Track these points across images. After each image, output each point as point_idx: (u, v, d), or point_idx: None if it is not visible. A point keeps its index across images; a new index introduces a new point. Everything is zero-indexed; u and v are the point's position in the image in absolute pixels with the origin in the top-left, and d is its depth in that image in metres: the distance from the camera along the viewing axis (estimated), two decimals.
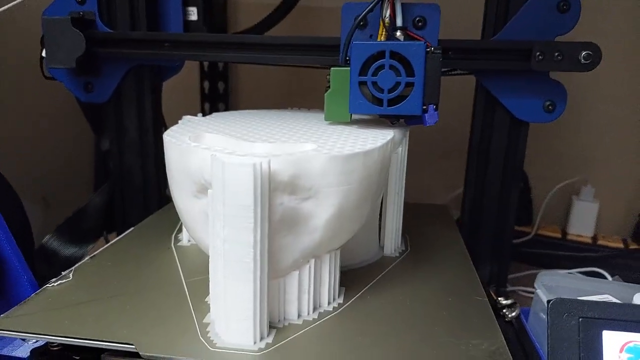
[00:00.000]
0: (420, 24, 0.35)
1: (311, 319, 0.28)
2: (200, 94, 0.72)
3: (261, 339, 0.26)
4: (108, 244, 0.38)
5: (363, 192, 0.29)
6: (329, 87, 0.33)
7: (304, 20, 0.65)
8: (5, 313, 0.28)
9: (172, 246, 0.37)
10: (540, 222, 0.64)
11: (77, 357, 0.28)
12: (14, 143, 0.54)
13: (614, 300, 0.39)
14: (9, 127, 0.53)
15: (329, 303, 0.30)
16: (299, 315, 0.28)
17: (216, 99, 0.72)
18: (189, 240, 0.38)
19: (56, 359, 0.28)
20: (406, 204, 0.39)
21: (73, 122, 0.58)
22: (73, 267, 0.33)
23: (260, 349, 0.25)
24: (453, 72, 0.42)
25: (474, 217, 0.46)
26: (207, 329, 0.27)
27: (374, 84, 0.32)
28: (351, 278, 0.33)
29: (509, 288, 0.54)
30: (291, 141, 0.30)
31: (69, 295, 0.30)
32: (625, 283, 0.49)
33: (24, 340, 0.32)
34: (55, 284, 0.31)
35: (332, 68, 0.32)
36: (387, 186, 0.36)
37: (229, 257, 0.25)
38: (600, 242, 0.61)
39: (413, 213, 0.46)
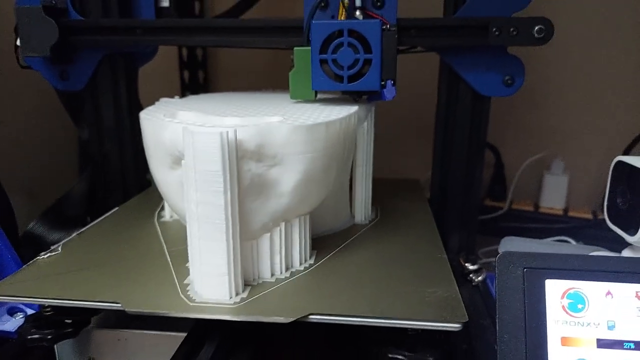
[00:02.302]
0: (379, 3, 0.37)
1: (283, 277, 0.31)
2: (181, 84, 0.73)
3: (236, 294, 0.28)
4: (94, 222, 0.40)
5: (327, 160, 0.31)
6: (293, 66, 0.36)
7: (279, 2, 0.66)
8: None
9: (155, 221, 0.40)
10: (513, 197, 0.66)
11: (69, 321, 0.30)
12: None
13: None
14: None
15: (300, 263, 0.32)
16: (272, 274, 0.31)
17: (197, 88, 0.73)
18: (171, 216, 0.41)
19: (49, 324, 0.30)
20: (380, 179, 0.41)
21: (56, 116, 0.59)
22: (61, 242, 0.35)
23: (236, 302, 0.28)
24: (415, 50, 0.44)
25: (442, 190, 0.48)
26: (187, 289, 0.29)
27: (334, 61, 0.34)
28: (323, 243, 0.36)
29: (483, 260, 0.57)
30: (259, 116, 0.32)
31: (59, 266, 0.32)
32: (585, 245, 0.52)
33: (11, 315, 0.34)
34: (45, 256, 0.33)
35: (295, 48, 0.35)
36: (356, 159, 0.39)
37: (202, 219, 0.27)
38: (571, 213, 0.63)
39: (386, 187, 0.49)
